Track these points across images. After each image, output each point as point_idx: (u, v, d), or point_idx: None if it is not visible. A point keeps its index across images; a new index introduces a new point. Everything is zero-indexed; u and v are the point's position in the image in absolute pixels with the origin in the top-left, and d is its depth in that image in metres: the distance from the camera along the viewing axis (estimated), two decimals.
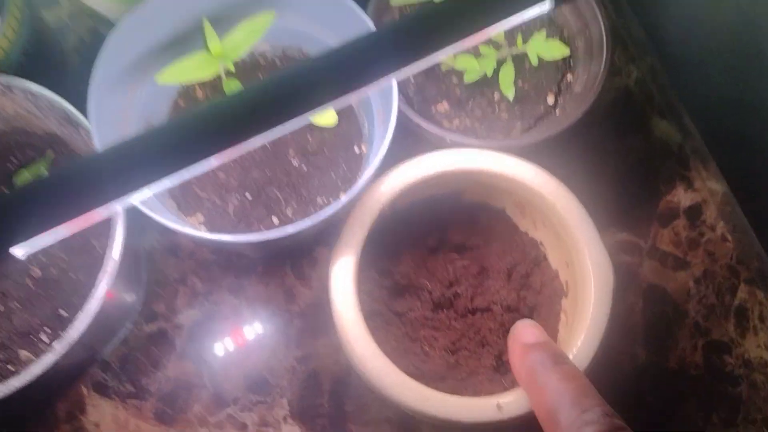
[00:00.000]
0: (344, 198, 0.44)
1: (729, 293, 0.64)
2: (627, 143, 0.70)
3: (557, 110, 0.61)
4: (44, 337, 0.48)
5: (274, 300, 0.57)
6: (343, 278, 0.45)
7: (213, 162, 0.25)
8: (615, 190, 0.68)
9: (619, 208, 0.66)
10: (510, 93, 0.58)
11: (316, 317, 0.58)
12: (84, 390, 0.54)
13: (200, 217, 0.52)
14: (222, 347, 0.54)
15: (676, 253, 0.66)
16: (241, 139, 0.25)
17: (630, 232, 0.65)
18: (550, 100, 0.62)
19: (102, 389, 0.55)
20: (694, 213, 0.68)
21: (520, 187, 0.50)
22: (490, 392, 0.47)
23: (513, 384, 0.48)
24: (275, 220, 0.52)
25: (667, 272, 0.65)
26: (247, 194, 0.53)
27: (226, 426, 0.54)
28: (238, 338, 0.56)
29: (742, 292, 0.65)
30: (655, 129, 0.72)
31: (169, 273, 0.59)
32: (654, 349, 0.61)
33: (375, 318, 0.50)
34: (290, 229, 0.43)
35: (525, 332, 0.42)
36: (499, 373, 0.49)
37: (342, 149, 0.55)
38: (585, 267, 0.46)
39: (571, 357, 0.43)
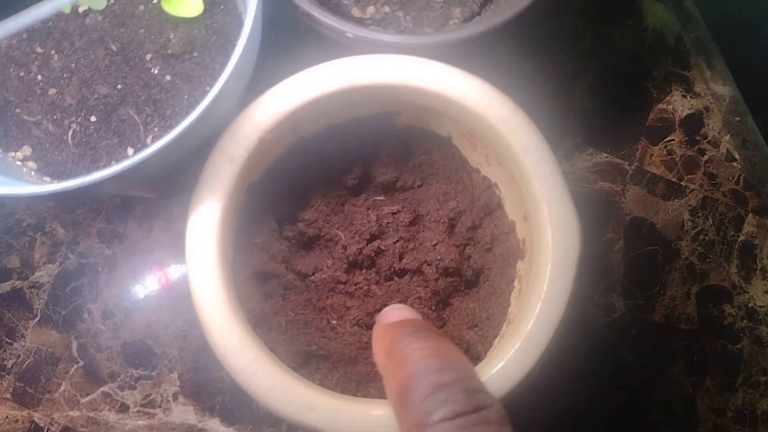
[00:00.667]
0: (194, 114, 0.30)
1: (733, 227, 0.53)
2: (609, 35, 0.55)
3: None
4: None
5: (158, 249, 0.45)
6: (200, 237, 0.32)
7: None
8: (592, 97, 0.53)
9: (598, 121, 0.53)
10: None
11: None
12: None
13: (27, 151, 0.39)
14: (92, 310, 0.47)
15: (669, 176, 0.54)
16: None
17: (611, 151, 0.52)
18: None
19: None
20: (693, 125, 0.54)
21: (465, 113, 0.36)
22: None
23: None
24: (130, 150, 0.38)
25: (655, 201, 0.53)
26: (92, 117, 0.39)
27: (102, 407, 0.44)
28: (112, 299, 0.45)
29: (750, 225, 0.53)
30: (647, 15, 0.55)
31: (21, 217, 0.46)
32: (636, 298, 0.51)
33: (269, 282, 0.39)
34: (133, 161, 0.29)
35: (390, 314, 0.32)
36: None
37: (218, 51, 0.40)
38: (542, 225, 0.34)
39: (516, 344, 0.32)
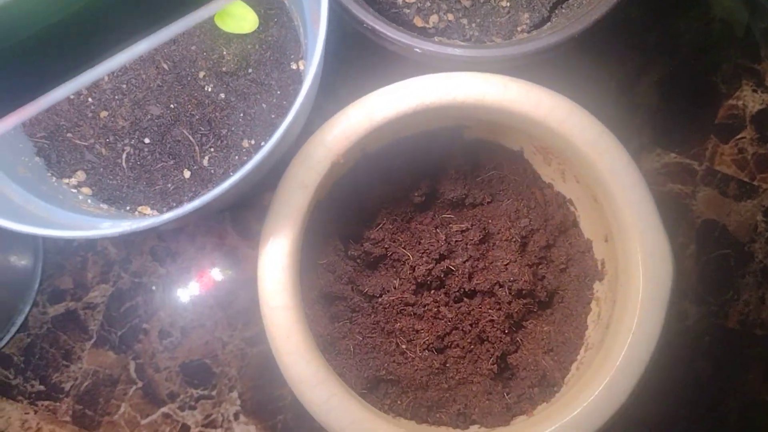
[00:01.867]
0: (269, 145, 0.29)
1: None
2: (674, 27, 0.52)
3: None
4: None
5: (213, 266, 0.46)
6: (273, 269, 0.32)
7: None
8: (659, 93, 0.51)
9: (665, 120, 0.51)
10: None
11: None
12: None
13: (81, 176, 0.38)
14: (149, 330, 0.47)
15: (740, 176, 0.52)
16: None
17: (680, 151, 0.51)
18: None
19: (4, 389, 0.45)
20: (765, 121, 0.52)
21: (545, 132, 0.34)
22: (486, 411, 0.36)
23: (520, 400, 0.37)
24: (187, 173, 0.38)
25: (727, 203, 0.51)
26: (146, 139, 0.38)
27: (163, 428, 0.44)
28: (168, 318, 0.45)
29: None
30: (713, 5, 0.53)
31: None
32: (709, 304, 0.50)
33: (336, 304, 0.38)
34: (194, 205, 0.29)
35: None
36: (500, 382, 0.38)
37: (273, 66, 0.38)
38: (631, 252, 0.33)
39: (605, 379, 0.31)
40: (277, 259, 0.33)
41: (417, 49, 0.37)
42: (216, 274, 0.48)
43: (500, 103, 0.35)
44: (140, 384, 0.47)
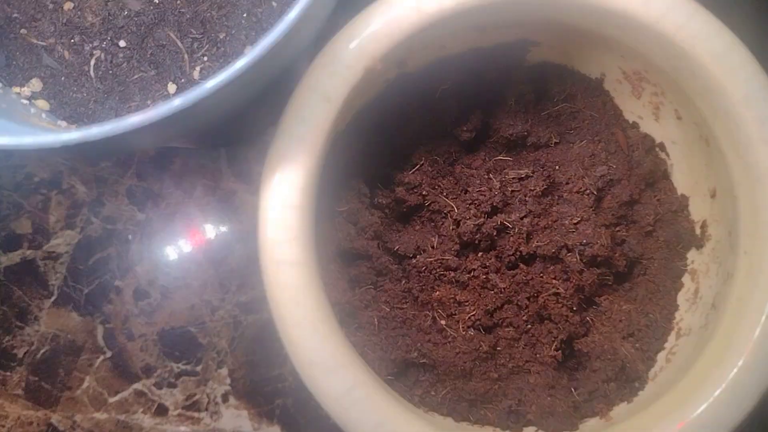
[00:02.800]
0: (271, 37, 0.20)
1: None
2: None
3: None
4: None
5: (203, 213, 0.38)
6: (278, 199, 0.23)
7: None
8: None
9: None
10: None
11: None
12: None
13: (37, 85, 0.30)
14: (122, 288, 0.39)
15: None
16: None
17: None
18: None
19: None
20: None
21: (652, 42, 0.25)
22: (547, 410, 0.28)
23: (591, 398, 0.28)
24: (172, 87, 0.29)
25: None
26: (121, 41, 0.30)
27: (135, 408, 0.36)
28: (146, 274, 0.37)
29: None
30: None
31: (32, 171, 0.37)
32: None
33: (358, 264, 0.30)
34: (184, 100, 0.20)
35: None
36: (565, 373, 0.29)
37: None
38: (762, 211, 0.23)
39: (724, 379, 0.23)
40: (286, 197, 0.24)
41: None
42: (207, 223, 0.39)
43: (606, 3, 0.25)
44: (109, 354, 0.38)
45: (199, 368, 0.39)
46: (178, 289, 0.39)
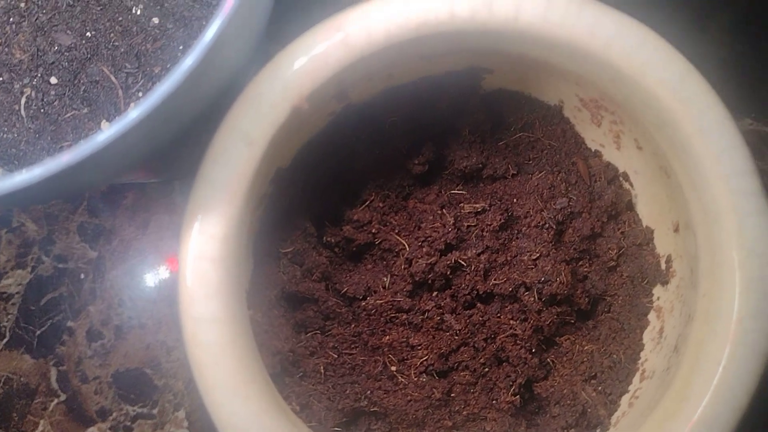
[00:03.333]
0: (190, 59, 0.19)
1: None
2: None
3: None
4: None
5: (157, 248, 0.38)
6: (197, 251, 0.22)
7: None
8: (731, 41, 0.41)
9: (738, 75, 0.41)
10: None
11: None
12: None
13: None
14: (74, 329, 0.38)
15: None
16: None
17: (756, 116, 0.41)
18: None
19: None
20: None
21: (602, 71, 0.24)
22: None
23: None
24: (105, 125, 0.28)
25: None
26: (52, 78, 0.29)
27: None
28: (99, 315, 0.36)
29: None
30: None
31: None
32: None
33: (304, 308, 0.29)
34: (110, 134, 0.19)
35: None
36: (524, 419, 0.28)
37: None
38: (722, 247, 0.22)
39: (680, 429, 0.21)
40: (205, 249, 0.22)
41: None
42: (160, 259, 0.38)
43: (539, 27, 0.24)
44: (63, 397, 0.37)
45: (155, 411, 0.37)
46: (133, 329, 0.38)
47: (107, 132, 0.22)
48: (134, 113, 0.22)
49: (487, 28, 0.25)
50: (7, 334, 0.38)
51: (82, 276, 0.38)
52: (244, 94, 0.24)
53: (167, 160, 0.37)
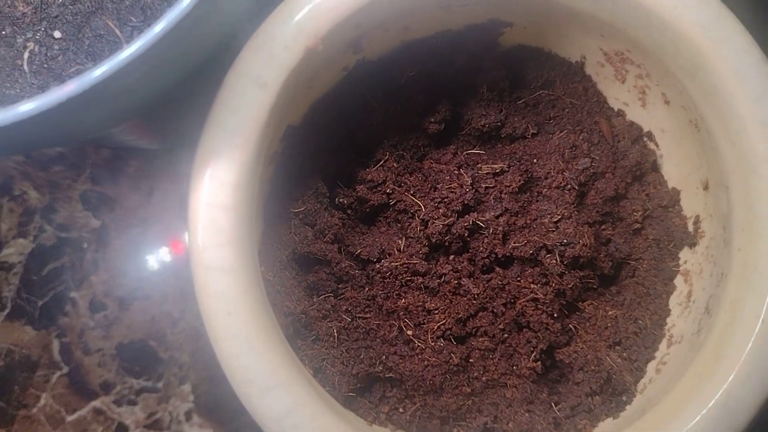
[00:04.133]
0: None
1: None
2: None
3: None
4: None
5: (162, 217, 0.37)
6: (208, 198, 0.21)
7: None
8: None
9: None
10: None
11: None
12: None
13: None
14: (77, 299, 0.36)
15: None
16: None
17: None
18: None
19: None
20: None
21: (631, 16, 0.22)
22: (526, 427, 0.25)
23: (574, 413, 0.25)
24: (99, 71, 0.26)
25: None
26: (56, 32, 0.27)
27: (94, 427, 0.34)
28: (102, 285, 0.35)
29: None
30: None
31: None
32: None
33: (316, 270, 0.28)
34: (105, 71, 0.19)
35: None
36: (545, 386, 0.27)
37: None
38: (762, 203, 0.20)
39: (717, 392, 0.20)
40: (216, 196, 0.21)
41: None
42: (166, 228, 0.37)
43: None
44: (66, 369, 0.36)
45: (160, 384, 0.36)
46: (136, 301, 0.37)
47: (103, 67, 0.21)
48: (132, 48, 0.21)
49: None
50: (9, 305, 0.37)
51: (85, 245, 0.37)
52: (255, 36, 0.22)
53: (172, 126, 0.35)
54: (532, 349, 0.28)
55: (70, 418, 0.36)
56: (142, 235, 0.37)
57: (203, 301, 0.21)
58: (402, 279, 0.29)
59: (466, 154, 0.31)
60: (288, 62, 0.22)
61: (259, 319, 0.22)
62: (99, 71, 0.20)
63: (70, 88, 0.19)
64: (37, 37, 0.29)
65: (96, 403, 0.36)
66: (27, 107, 0.19)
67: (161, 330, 0.37)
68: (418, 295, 0.29)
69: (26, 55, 0.29)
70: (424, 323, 0.29)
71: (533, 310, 0.29)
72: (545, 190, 0.30)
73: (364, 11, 0.23)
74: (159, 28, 0.19)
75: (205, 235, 0.21)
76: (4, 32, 0.30)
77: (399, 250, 0.30)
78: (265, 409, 0.21)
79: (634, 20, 0.24)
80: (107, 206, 0.37)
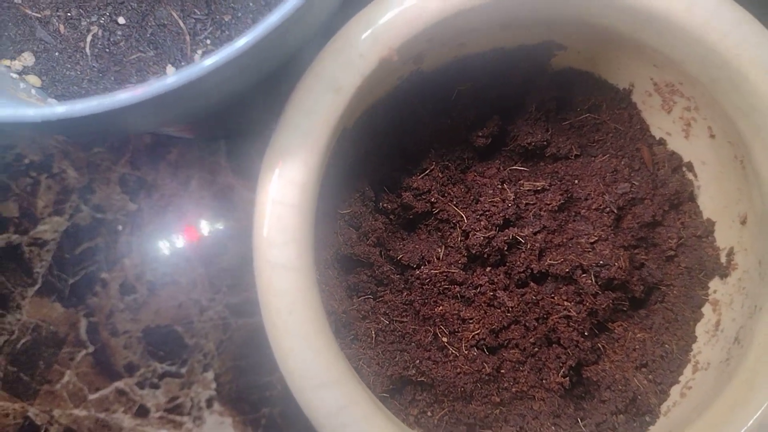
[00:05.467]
0: (275, 17, 0.18)
1: None
2: None
3: None
4: None
5: (198, 208, 0.36)
6: (277, 196, 0.21)
7: None
8: None
9: None
10: None
11: None
12: None
13: (28, 59, 0.27)
14: (108, 281, 0.36)
15: None
16: None
17: None
18: None
19: None
20: None
21: (690, 48, 0.22)
22: None
23: (599, 430, 0.26)
24: (170, 69, 0.27)
25: None
26: (120, 18, 0.27)
27: (116, 407, 0.33)
28: (134, 268, 0.34)
29: None
30: None
31: (23, 152, 0.35)
32: None
33: (357, 272, 0.28)
34: (179, 79, 0.18)
35: None
36: (572, 402, 0.27)
37: None
38: None
39: (746, 420, 0.20)
40: (285, 194, 0.21)
41: None
42: (201, 218, 0.37)
43: (644, 6, 0.23)
44: (91, 349, 0.36)
45: (183, 370, 0.36)
46: (166, 286, 0.36)
47: (176, 76, 0.20)
48: (209, 61, 0.20)
49: (593, 11, 0.24)
50: (40, 281, 0.36)
51: (120, 228, 0.37)
52: (333, 40, 0.23)
53: (218, 118, 0.35)
54: (561, 364, 0.29)
55: (92, 397, 0.36)
56: (177, 223, 0.37)
57: (265, 295, 0.21)
58: (440, 287, 0.30)
59: (510, 169, 0.31)
60: (363, 70, 0.23)
61: (317, 317, 0.22)
62: (172, 79, 0.20)
63: (145, 91, 0.19)
64: (102, 21, 0.29)
65: (119, 384, 0.36)
66: (128, 95, 0.19)
67: (188, 316, 0.36)
68: (455, 304, 0.30)
69: (89, 38, 0.29)
70: (458, 331, 0.29)
71: (565, 327, 0.29)
72: (584, 210, 0.30)
73: (437, 27, 0.23)
74: (241, 43, 0.19)
75: (272, 232, 0.21)
76: (69, 14, 0.29)
77: (438, 258, 0.30)
78: (319, 405, 0.21)
79: (692, 55, 0.24)
80: (145, 191, 0.37)
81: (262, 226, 0.21)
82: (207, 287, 0.37)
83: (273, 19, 0.20)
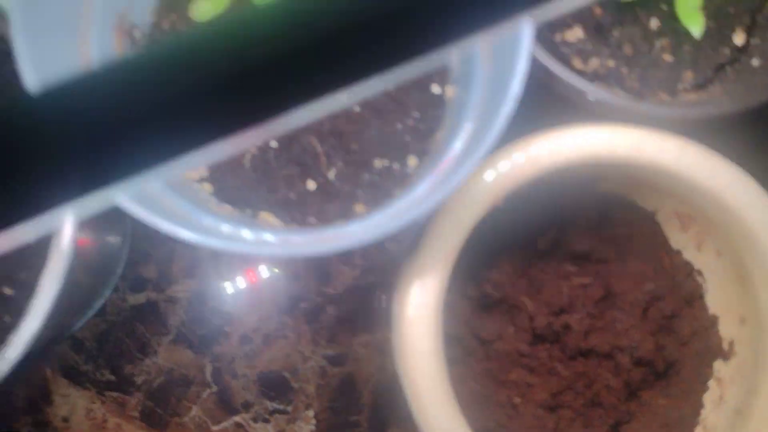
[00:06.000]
0: (439, 192, 0.26)
1: None
2: None
3: (753, 57, 0.40)
4: None
5: (303, 278, 0.43)
6: (421, 301, 0.29)
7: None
8: None
9: None
10: (695, 24, 0.37)
11: (356, 306, 0.45)
12: (48, 374, 0.40)
13: (204, 171, 0.35)
14: (230, 333, 0.44)
15: None
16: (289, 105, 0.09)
17: None
18: (739, 39, 0.40)
19: (73, 375, 0.41)
20: None
21: (705, 203, 0.32)
22: None
23: None
24: (311, 184, 0.35)
25: None
26: (273, 142, 0.35)
27: None
28: (253, 323, 0.42)
29: None
30: None
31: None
32: None
33: (453, 345, 0.35)
34: (352, 240, 0.26)
35: None
36: None
37: (413, 86, 0.36)
38: None
39: None
40: (428, 300, 0.30)
41: (590, 97, 0.34)
42: (306, 287, 0.45)
43: (673, 168, 0.32)
44: (215, 389, 0.43)
45: (289, 408, 0.44)
46: (277, 339, 0.45)
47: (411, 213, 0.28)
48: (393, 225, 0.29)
49: (636, 163, 0.33)
50: (173, 331, 0.44)
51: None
52: (460, 192, 0.31)
53: None
54: (603, 422, 0.37)
55: (214, 428, 0.44)
56: (287, 289, 0.45)
57: (412, 376, 0.30)
58: (511, 357, 0.38)
59: (564, 267, 0.40)
60: (480, 211, 0.31)
61: (449, 390, 0.30)
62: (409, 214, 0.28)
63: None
64: (258, 144, 0.37)
65: (237, 418, 0.44)
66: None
67: (294, 364, 0.45)
68: (523, 372, 0.38)
69: (249, 156, 0.37)
70: (527, 394, 0.38)
71: (606, 393, 0.38)
72: (619, 302, 0.39)
73: (532, 182, 0.32)
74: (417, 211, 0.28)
75: (416, 325, 0.30)
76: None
77: (509, 335, 0.39)
78: None
79: (714, 208, 0.34)
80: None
81: (412, 323, 0.30)
82: (309, 341, 0.45)
83: (444, 191, 0.29)
